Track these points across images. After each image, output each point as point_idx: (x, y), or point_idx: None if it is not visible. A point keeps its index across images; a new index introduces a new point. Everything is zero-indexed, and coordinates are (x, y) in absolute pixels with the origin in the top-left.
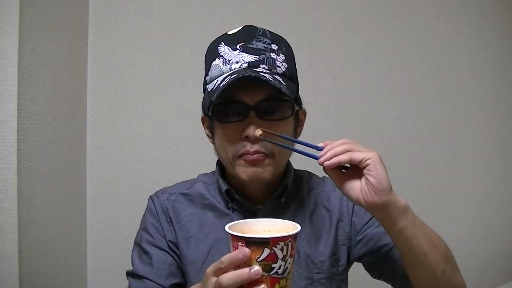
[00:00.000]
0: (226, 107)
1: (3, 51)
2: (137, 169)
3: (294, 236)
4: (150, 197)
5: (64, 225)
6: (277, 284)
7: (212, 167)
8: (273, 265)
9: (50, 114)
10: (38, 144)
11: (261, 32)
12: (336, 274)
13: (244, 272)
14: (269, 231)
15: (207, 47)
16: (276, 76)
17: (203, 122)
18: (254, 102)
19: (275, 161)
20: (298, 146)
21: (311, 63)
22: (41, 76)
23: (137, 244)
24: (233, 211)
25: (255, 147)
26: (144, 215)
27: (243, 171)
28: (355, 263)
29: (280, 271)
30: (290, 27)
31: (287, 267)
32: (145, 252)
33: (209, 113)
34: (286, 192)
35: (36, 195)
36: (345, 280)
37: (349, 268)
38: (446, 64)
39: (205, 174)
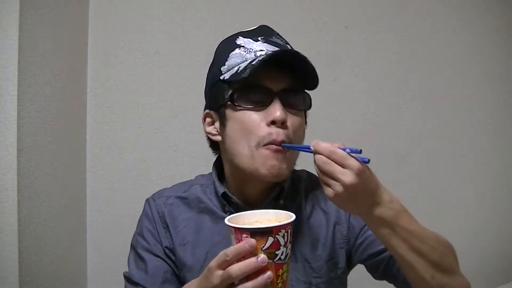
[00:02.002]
0: (248, 92)
1: (3, 51)
2: (137, 169)
3: (292, 223)
4: (147, 200)
5: (64, 225)
6: (280, 270)
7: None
8: (276, 252)
9: (50, 114)
10: (38, 144)
11: (276, 33)
12: (335, 278)
13: (251, 261)
14: (261, 222)
15: (208, 48)
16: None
17: (205, 119)
18: (278, 88)
19: (291, 158)
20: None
21: (311, 62)
22: (41, 76)
23: (133, 248)
24: (229, 214)
25: (281, 136)
26: (140, 219)
27: (264, 164)
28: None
29: (282, 257)
30: (290, 27)
31: (288, 252)
32: (141, 258)
33: (228, 101)
34: (283, 194)
35: (36, 195)
36: (344, 283)
37: (349, 271)
38: (446, 64)
39: (202, 176)
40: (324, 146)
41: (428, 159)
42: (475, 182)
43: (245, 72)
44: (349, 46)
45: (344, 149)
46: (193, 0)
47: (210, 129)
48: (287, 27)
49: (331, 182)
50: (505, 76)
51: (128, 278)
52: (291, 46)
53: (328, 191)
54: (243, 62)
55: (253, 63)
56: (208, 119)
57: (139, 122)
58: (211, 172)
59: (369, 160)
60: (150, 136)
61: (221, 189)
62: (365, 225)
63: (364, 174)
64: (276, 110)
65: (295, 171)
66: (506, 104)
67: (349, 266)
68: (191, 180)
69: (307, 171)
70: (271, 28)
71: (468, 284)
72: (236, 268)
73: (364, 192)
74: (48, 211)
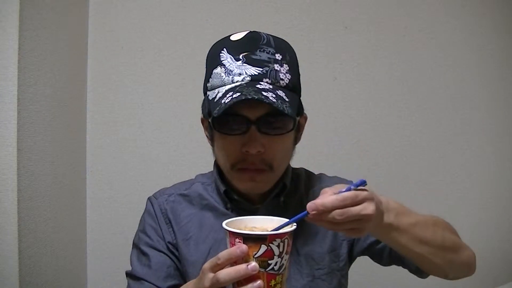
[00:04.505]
0: (226, 119)
1: (3, 51)
2: (137, 169)
3: (291, 233)
4: (149, 198)
5: (64, 225)
6: (273, 280)
7: (212, 167)
8: (269, 261)
9: (50, 114)
10: (38, 144)
11: (265, 41)
12: (337, 270)
13: (241, 268)
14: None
15: (209, 48)
16: (279, 92)
17: (202, 123)
18: (255, 116)
19: (274, 173)
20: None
21: (311, 63)
22: (41, 76)
23: (136, 245)
24: (232, 211)
25: (256, 164)
26: (142, 217)
27: (240, 184)
28: (355, 260)
29: (276, 267)
30: (290, 27)
31: (283, 264)
32: (144, 254)
33: (209, 121)
34: (285, 191)
35: (36, 195)
36: (345, 276)
37: (350, 264)
38: (446, 64)
39: (203, 175)
40: (331, 200)
41: (427, 159)
42: (475, 182)
43: (216, 110)
44: (349, 46)
45: (349, 189)
46: (193, 0)
47: (206, 133)
48: (287, 27)
49: (358, 223)
50: (504, 76)
51: (131, 275)
52: (280, 53)
53: (360, 232)
54: (221, 86)
55: (222, 100)
56: (204, 123)
57: (139, 122)
58: (211, 171)
59: (365, 181)
60: (150, 136)
61: (222, 187)
62: None
63: (374, 195)
64: (250, 142)
65: (294, 169)
66: (506, 104)
67: (351, 258)
68: (191, 179)
69: (305, 169)
70: (260, 35)
71: (473, 253)
72: (225, 273)
73: (379, 210)
74: (48, 211)
